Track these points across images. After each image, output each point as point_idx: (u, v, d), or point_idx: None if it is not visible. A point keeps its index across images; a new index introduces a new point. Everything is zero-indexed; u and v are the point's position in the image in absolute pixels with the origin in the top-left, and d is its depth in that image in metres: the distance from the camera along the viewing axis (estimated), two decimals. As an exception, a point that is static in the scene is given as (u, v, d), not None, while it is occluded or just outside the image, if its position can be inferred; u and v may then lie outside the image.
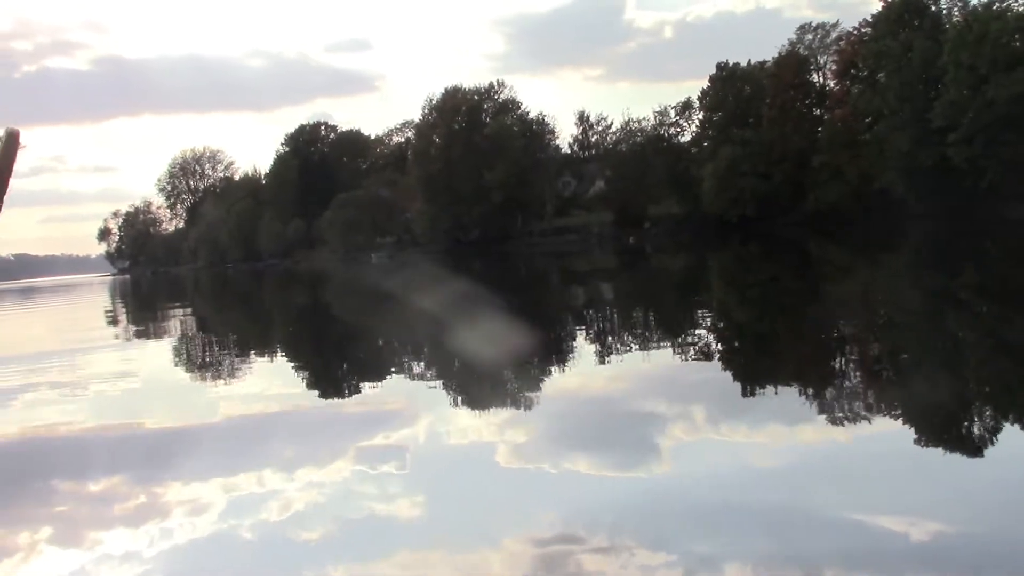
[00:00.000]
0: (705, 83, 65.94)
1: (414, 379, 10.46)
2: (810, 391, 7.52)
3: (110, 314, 33.39)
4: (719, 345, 11.20)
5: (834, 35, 63.18)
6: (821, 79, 63.45)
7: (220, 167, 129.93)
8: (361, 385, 10.39)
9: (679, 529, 4.37)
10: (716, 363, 9.69)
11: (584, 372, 9.52)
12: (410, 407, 8.42)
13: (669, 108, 71.98)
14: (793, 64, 61.50)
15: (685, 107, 70.74)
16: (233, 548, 4.57)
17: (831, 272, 23.04)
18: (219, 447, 7.21)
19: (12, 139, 1.31)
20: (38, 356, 16.53)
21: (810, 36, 64.76)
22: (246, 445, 7.14)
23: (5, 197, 1.32)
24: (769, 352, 10.47)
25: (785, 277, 21.95)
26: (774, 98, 60.18)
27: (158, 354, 16.36)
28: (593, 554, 4.01)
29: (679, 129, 71.75)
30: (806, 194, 56.24)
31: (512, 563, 3.99)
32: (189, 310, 31.03)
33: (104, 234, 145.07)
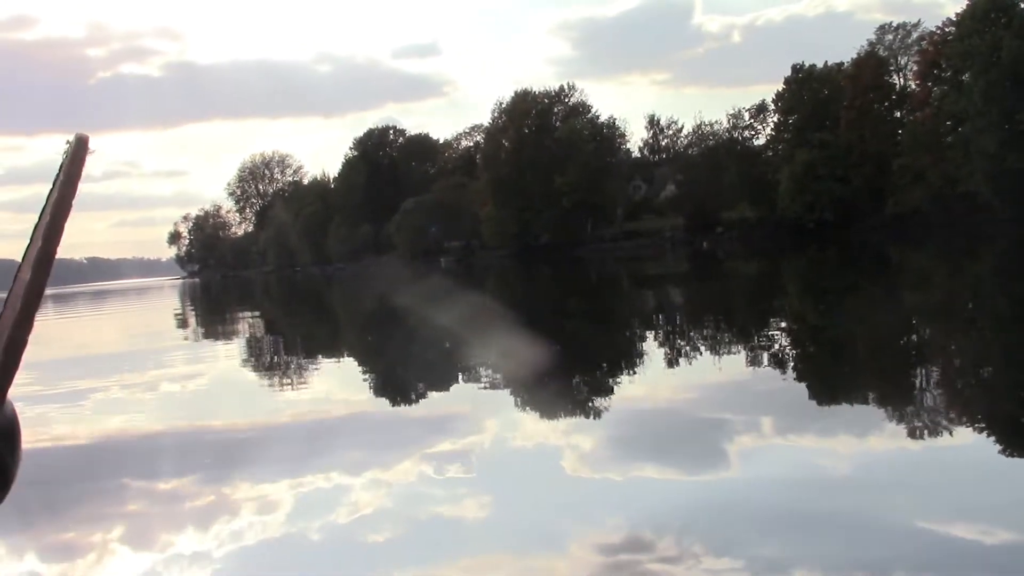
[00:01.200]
0: (775, 88, 65.20)
1: (481, 382, 10.51)
2: (884, 399, 7.40)
3: (180, 317, 34.14)
4: (793, 352, 11.05)
5: (915, 35, 61.90)
6: (901, 80, 62.22)
7: (289, 171, 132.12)
8: (428, 388, 10.47)
9: (746, 536, 4.35)
10: (789, 370, 9.58)
11: (654, 378, 9.47)
12: (477, 411, 8.47)
13: (743, 111, 71.38)
14: (872, 65, 60.40)
15: (760, 110, 70.01)
16: (300, 549, 4.64)
17: (913, 279, 22.55)
18: (287, 448, 7.32)
19: (81, 144, 1.36)
20: (110, 358, 16.99)
21: (890, 37, 63.52)
22: (313, 447, 7.23)
23: (74, 201, 1.37)
24: (844, 360, 10.30)
25: (864, 284, 21.53)
26: (852, 100, 59.11)
27: (227, 356, 16.69)
28: (660, 560, 4.01)
29: (753, 132, 71.09)
30: (886, 198, 55.11)
31: (578, 568, 3.99)
32: (258, 313, 31.56)
33: (174, 238, 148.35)
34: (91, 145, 1.42)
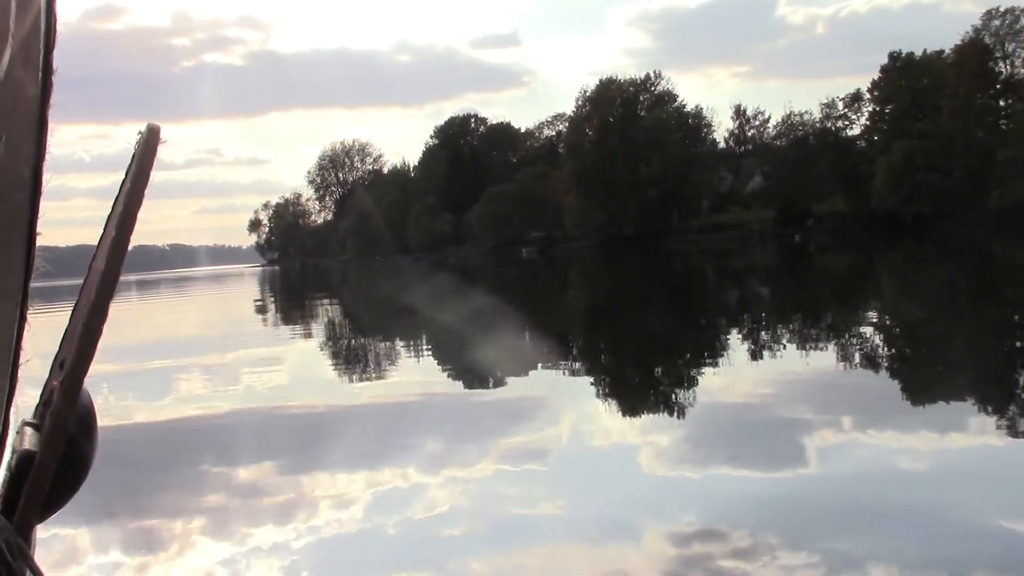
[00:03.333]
0: (858, 80, 63.91)
1: (560, 375, 10.50)
2: (972, 399, 7.23)
3: (259, 304, 34.85)
4: (881, 350, 10.82)
5: (1024, 21, 59.78)
6: (1008, 68, 60.18)
7: (369, 160, 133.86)
8: (507, 379, 10.50)
9: (821, 532, 4.32)
10: (875, 368, 9.38)
11: (735, 374, 9.36)
12: (555, 402, 8.50)
13: (837, 100, 69.92)
14: (977, 52, 58.50)
15: (854, 99, 68.46)
16: (376, 541, 4.72)
17: (1019, 276, 21.83)
18: (364, 439, 7.44)
19: (153, 135, 1.39)
20: (191, 343, 17.43)
21: (997, 22, 61.34)
22: (391, 438, 7.33)
23: (147, 191, 1.40)
24: (936, 360, 10.05)
25: (965, 281, 20.93)
26: (956, 88, 57.34)
27: (305, 344, 16.97)
28: (734, 554, 4.00)
29: (847, 123, 69.57)
30: (990, 191, 53.41)
31: (652, 561, 3.98)
32: (336, 302, 32.04)
33: (255, 225, 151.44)
34: (164, 135, 1.45)
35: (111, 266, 1.40)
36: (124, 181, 1.46)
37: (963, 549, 3.98)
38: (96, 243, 1.48)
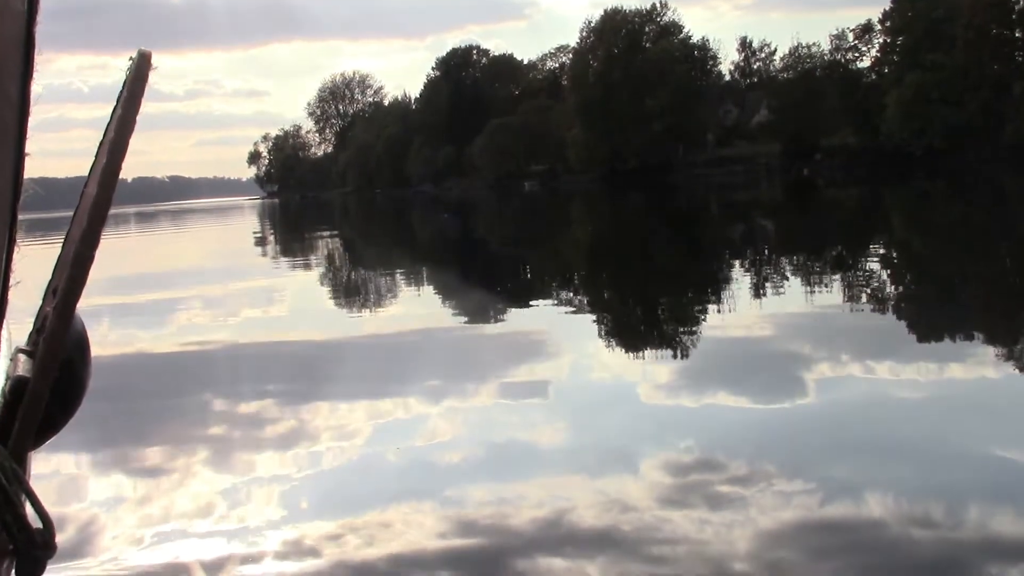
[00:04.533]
0: (864, 13, 62.83)
1: (561, 310, 10.55)
2: (972, 332, 7.25)
3: (259, 236, 34.87)
4: (886, 285, 10.83)
5: (1043, -52, 58.65)
6: (1026, -2, 59.20)
7: (369, 92, 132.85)
8: (508, 313, 10.56)
9: (818, 460, 4.39)
10: (878, 302, 9.40)
11: (737, 308, 9.38)
12: (554, 335, 8.55)
13: (847, 31, 69.00)
14: (995, -19, 57.55)
15: (865, 30, 67.51)
16: (376, 470, 4.79)
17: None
18: (365, 370, 7.52)
19: (144, 61, 1.38)
20: (191, 276, 17.47)
21: (1015, -50, 60.26)
22: (392, 369, 7.40)
23: (138, 117, 1.39)
24: (942, 295, 10.06)
25: (975, 217, 20.86)
26: (971, 19, 56.52)
27: (306, 277, 17.02)
28: (732, 483, 4.05)
29: (857, 55, 68.73)
30: (1004, 125, 52.91)
31: (651, 489, 4.05)
32: (337, 235, 32.03)
33: (254, 158, 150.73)
34: (163, 66, 1.43)
35: (103, 193, 1.41)
36: (115, 108, 1.46)
37: (959, 477, 4.03)
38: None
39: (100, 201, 1.37)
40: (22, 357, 1.36)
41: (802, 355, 6.95)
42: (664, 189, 48.71)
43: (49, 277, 1.44)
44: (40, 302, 1.47)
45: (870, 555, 3.23)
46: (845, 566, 3.13)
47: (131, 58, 1.43)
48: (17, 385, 1.29)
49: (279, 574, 3.38)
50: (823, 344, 7.32)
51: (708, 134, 75.58)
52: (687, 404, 5.80)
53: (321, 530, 3.80)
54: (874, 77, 64.61)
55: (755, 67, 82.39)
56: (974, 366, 6.17)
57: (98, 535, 3.96)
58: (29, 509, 1.35)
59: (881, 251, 14.85)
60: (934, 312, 8.93)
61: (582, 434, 5.27)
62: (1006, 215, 20.67)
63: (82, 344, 1.44)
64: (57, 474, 4.91)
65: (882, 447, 4.57)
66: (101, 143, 1.48)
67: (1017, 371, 6.04)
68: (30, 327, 1.43)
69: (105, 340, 9.76)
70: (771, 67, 79.79)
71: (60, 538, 3.49)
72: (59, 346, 1.31)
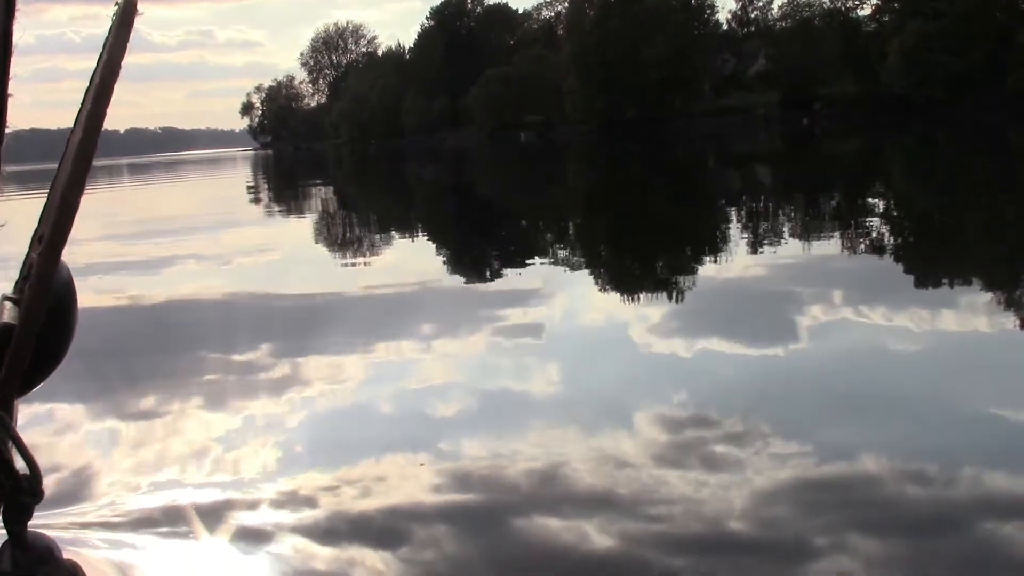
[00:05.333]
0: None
1: (556, 259, 10.57)
2: (972, 285, 7.27)
3: (252, 187, 34.75)
4: (886, 236, 10.83)
5: None
6: (1032, -57, 58.54)
7: (363, 42, 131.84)
8: (502, 263, 10.56)
9: (813, 413, 4.42)
10: (877, 253, 9.41)
11: (734, 259, 9.40)
12: (548, 285, 8.57)
13: (849, -21, 68.30)
14: (999, -76, 56.88)
15: (866, -23, 66.90)
16: (370, 420, 4.81)
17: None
18: (358, 320, 7.53)
19: (130, 7, 1.37)
20: (184, 228, 17.43)
21: None
22: (385, 319, 7.42)
23: (123, 64, 1.39)
24: (941, 245, 10.07)
25: (977, 167, 20.81)
26: (974, -35, 55.96)
27: (299, 228, 17.01)
28: (727, 437, 4.07)
29: (857, 2, 68.16)
30: (1006, 74, 52.55)
31: (644, 442, 4.09)
32: (330, 186, 31.93)
33: (247, 109, 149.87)
34: (156, 17, 1.42)
35: (88, 138, 1.40)
36: (101, 54, 1.45)
37: (958, 433, 4.05)
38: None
39: (85, 146, 1.37)
40: (8, 304, 1.37)
41: (799, 305, 6.96)
42: (661, 140, 48.52)
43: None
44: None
45: (866, 511, 3.26)
46: (840, 522, 3.16)
47: (117, 3, 1.42)
48: (2, 332, 1.30)
49: (276, 523, 3.41)
50: (821, 294, 7.33)
51: (705, 84, 75.08)
52: (683, 355, 5.83)
53: (316, 480, 3.83)
54: (874, 26, 64.05)
55: (753, 16, 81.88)
56: (975, 318, 6.18)
57: (94, 482, 3.99)
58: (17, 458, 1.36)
59: (880, 201, 14.83)
60: (934, 262, 8.94)
61: (578, 385, 5.30)
62: (1007, 165, 20.63)
63: (68, 291, 1.44)
64: (52, 422, 4.94)
65: (880, 400, 4.59)
66: (87, 89, 1.48)
67: (1012, 325, 6.05)
68: (16, 275, 1.43)
69: (99, 291, 9.77)
70: (769, 16, 79.34)
71: (57, 485, 3.55)
72: (45, 293, 1.31)
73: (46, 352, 1.39)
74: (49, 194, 1.42)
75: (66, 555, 1.72)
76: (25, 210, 1.35)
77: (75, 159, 1.33)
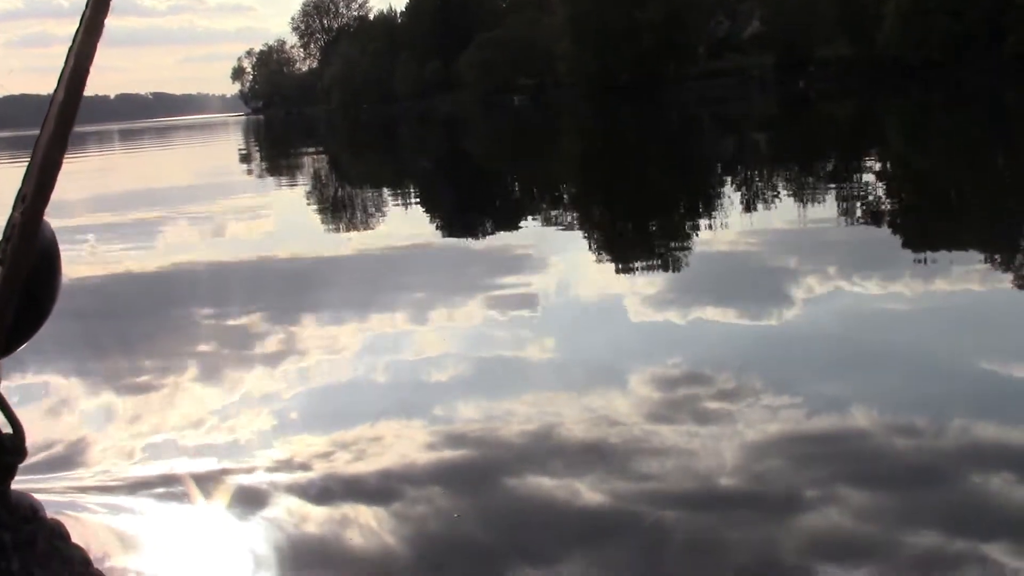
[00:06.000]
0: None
1: (550, 225, 10.56)
2: (966, 247, 7.27)
3: (244, 153, 34.60)
4: (880, 200, 10.83)
5: None
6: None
7: (355, 6, 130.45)
8: (496, 229, 10.56)
9: (806, 374, 4.45)
10: (872, 217, 9.41)
11: (728, 224, 9.40)
12: (542, 251, 8.58)
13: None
14: None
15: (864, -66, 66.27)
16: (364, 386, 4.83)
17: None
18: (351, 286, 7.54)
19: None
20: (176, 193, 17.38)
21: None
22: (379, 285, 7.43)
23: (105, 22, 1.38)
24: (935, 209, 10.08)
25: (974, 130, 20.75)
26: (974, -77, 55.37)
27: (292, 194, 16.96)
28: (719, 397, 4.11)
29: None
30: (1004, 37, 52.19)
31: (638, 405, 4.12)
32: (322, 152, 31.80)
33: (238, 74, 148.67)
34: None
35: (70, 97, 1.40)
36: (84, 12, 1.44)
37: (946, 389, 4.10)
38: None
39: (67, 105, 1.37)
40: (-10, 266, 1.36)
41: (792, 269, 6.99)
42: (655, 103, 48.31)
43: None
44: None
45: (856, 464, 3.29)
46: (831, 476, 3.19)
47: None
48: None
49: (271, 484, 3.44)
50: (813, 258, 7.36)
51: (699, 47, 74.63)
52: (675, 318, 5.86)
53: (311, 444, 3.86)
54: (872, -14, 63.53)
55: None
56: (965, 279, 6.20)
57: (90, 447, 4.02)
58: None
59: (876, 165, 14.81)
60: (927, 226, 8.95)
61: (571, 348, 5.34)
62: (1005, 128, 20.59)
63: (51, 252, 1.44)
64: (48, 388, 4.96)
65: (870, 359, 4.64)
66: (70, 49, 1.47)
67: (1009, 285, 6.07)
68: None
69: (91, 258, 9.76)
70: (764, -24, 78.53)
71: (53, 451, 3.55)
72: (27, 253, 1.31)
73: (29, 313, 1.39)
74: (32, 155, 1.42)
75: (63, 519, 1.73)
76: (15, 180, 1.34)
77: (57, 119, 1.33)
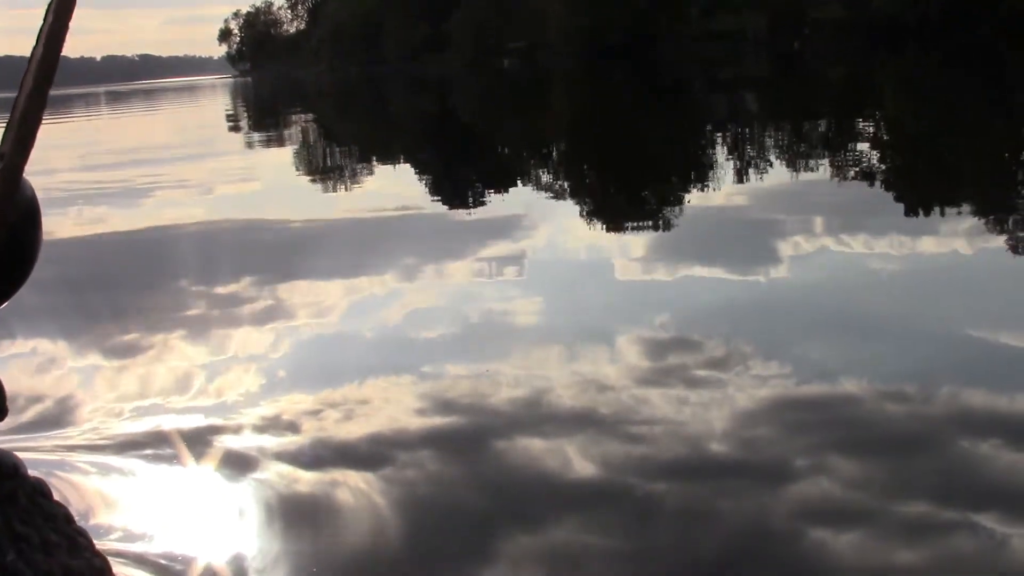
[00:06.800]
0: None
1: (537, 186, 10.56)
2: (957, 209, 7.28)
3: (231, 116, 34.40)
4: (873, 160, 10.83)
5: None
6: None
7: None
8: (484, 191, 10.53)
9: (793, 335, 4.49)
10: (866, 179, 9.40)
11: (718, 186, 9.42)
12: (531, 213, 8.58)
13: None
14: None
15: None
16: (354, 347, 4.83)
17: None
18: (341, 247, 7.54)
19: None
20: (163, 156, 17.29)
21: None
22: (368, 248, 7.42)
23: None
24: (929, 169, 10.09)
25: (971, 91, 20.70)
26: None
27: (280, 157, 16.88)
28: (709, 361, 4.13)
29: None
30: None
31: (626, 367, 4.13)
32: (310, 114, 31.63)
33: (225, 35, 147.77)
34: None
35: (49, 53, 1.40)
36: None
37: (936, 354, 4.12)
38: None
39: (46, 63, 1.36)
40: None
41: (783, 231, 6.99)
42: (647, 66, 48.06)
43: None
44: None
45: (846, 431, 3.31)
46: (821, 442, 3.21)
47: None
48: None
49: (259, 444, 3.45)
50: (805, 220, 7.37)
51: (691, 8, 74.20)
52: (664, 279, 5.88)
53: (299, 404, 3.87)
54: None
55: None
56: (956, 242, 6.22)
57: (78, 408, 4.02)
58: None
59: (871, 126, 14.79)
60: (919, 187, 8.96)
61: (560, 310, 5.35)
62: (1002, 87, 20.54)
63: (31, 209, 1.44)
64: (36, 350, 4.97)
65: (860, 322, 4.66)
66: (49, 4, 1.46)
67: (1001, 248, 6.09)
68: None
69: (80, 220, 9.73)
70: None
71: (42, 410, 3.55)
72: (6, 209, 1.31)
73: (9, 271, 1.39)
74: (12, 111, 1.41)
75: (47, 478, 1.74)
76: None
77: (36, 74, 1.32)
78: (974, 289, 5.22)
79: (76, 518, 1.71)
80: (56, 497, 1.67)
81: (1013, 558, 2.44)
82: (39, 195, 1.53)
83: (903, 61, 34.62)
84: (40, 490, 1.55)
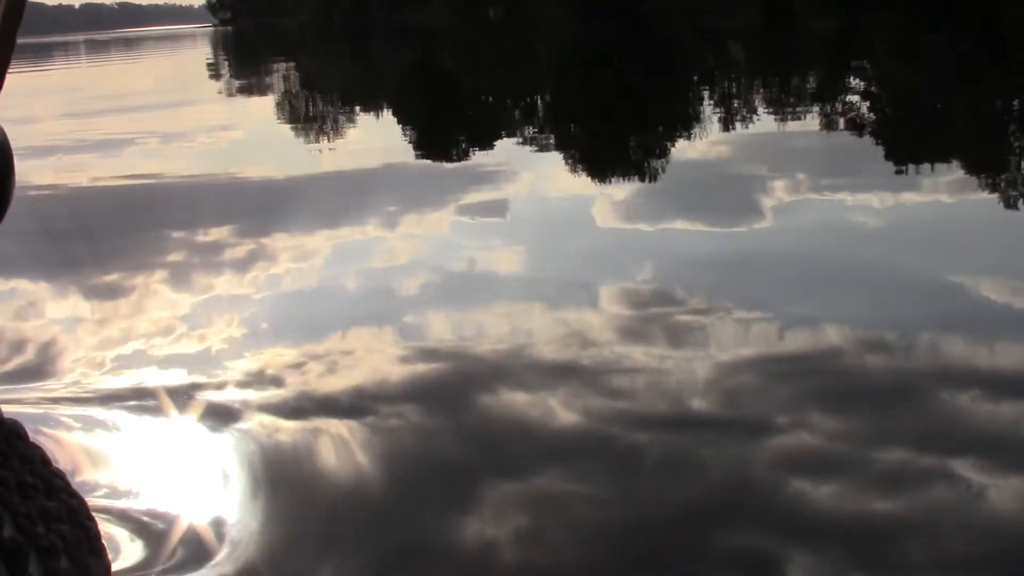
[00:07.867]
0: None
1: (522, 139, 10.51)
2: (945, 163, 7.31)
3: (212, 65, 34.04)
4: (859, 113, 10.81)
5: None
6: None
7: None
8: (467, 142, 10.50)
9: (775, 288, 4.52)
10: (855, 130, 9.40)
11: (705, 139, 9.40)
12: (512, 163, 8.56)
13: None
14: None
15: None
16: (336, 296, 4.84)
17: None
18: (322, 199, 7.51)
19: None
20: (144, 107, 17.12)
21: None
22: (349, 197, 7.39)
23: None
24: (915, 122, 10.08)
25: (964, 44, 20.62)
26: None
27: (262, 107, 16.76)
28: (691, 313, 4.15)
29: None
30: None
31: (609, 317, 4.16)
32: (292, 63, 31.31)
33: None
34: None
35: None
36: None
37: (918, 305, 4.15)
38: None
39: (15, 2, 1.34)
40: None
41: (767, 184, 6.99)
42: (635, 16, 47.65)
43: None
44: None
45: (827, 381, 3.34)
46: (802, 394, 3.24)
47: None
48: None
49: (242, 396, 3.46)
50: (789, 173, 7.36)
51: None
52: (646, 230, 5.89)
53: (282, 355, 3.88)
54: None
55: None
56: (941, 195, 6.26)
57: (60, 360, 4.02)
58: None
59: (860, 80, 14.75)
60: (907, 140, 8.96)
61: (544, 260, 5.36)
62: (995, 44, 20.48)
63: (4, 151, 1.42)
64: (16, 301, 4.97)
65: (844, 274, 4.69)
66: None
67: (987, 200, 6.11)
68: None
69: (59, 169, 9.65)
70: None
71: (24, 362, 3.55)
72: None
73: None
74: None
75: (28, 430, 1.74)
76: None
77: (4, 17, 1.31)
78: (959, 242, 5.24)
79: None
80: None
81: (990, 507, 2.47)
82: (15, 144, 1.51)
83: (896, 14, 34.42)
84: (16, 432, 1.55)
